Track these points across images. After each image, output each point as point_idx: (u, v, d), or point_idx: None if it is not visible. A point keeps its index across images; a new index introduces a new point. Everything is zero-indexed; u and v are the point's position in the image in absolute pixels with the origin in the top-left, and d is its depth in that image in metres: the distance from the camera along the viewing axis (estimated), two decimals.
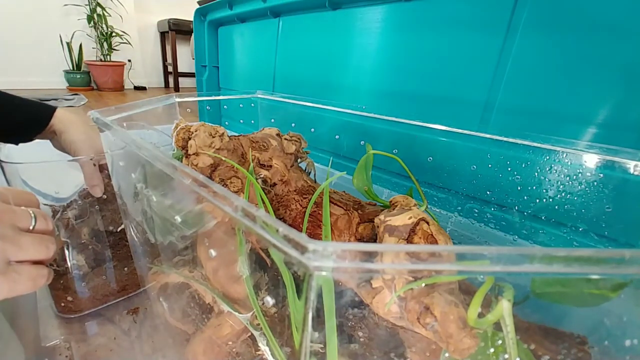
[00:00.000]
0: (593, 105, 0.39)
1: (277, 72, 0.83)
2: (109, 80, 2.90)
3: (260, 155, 0.35)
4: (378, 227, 0.26)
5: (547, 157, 0.37)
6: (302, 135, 0.40)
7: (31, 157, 0.42)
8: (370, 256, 0.13)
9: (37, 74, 2.77)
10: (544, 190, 0.38)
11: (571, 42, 0.40)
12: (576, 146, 0.35)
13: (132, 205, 0.37)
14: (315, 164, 0.41)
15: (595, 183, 0.34)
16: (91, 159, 0.43)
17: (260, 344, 0.26)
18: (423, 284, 0.20)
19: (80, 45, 2.82)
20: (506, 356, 0.19)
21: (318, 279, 0.14)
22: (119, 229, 0.52)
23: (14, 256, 0.24)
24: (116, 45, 2.99)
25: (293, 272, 0.21)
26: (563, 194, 0.36)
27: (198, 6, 1.01)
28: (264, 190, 0.32)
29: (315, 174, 0.41)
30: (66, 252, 0.47)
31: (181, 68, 3.18)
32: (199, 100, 0.73)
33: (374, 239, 0.29)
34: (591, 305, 0.19)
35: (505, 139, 0.39)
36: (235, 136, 0.36)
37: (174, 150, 0.35)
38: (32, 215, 0.27)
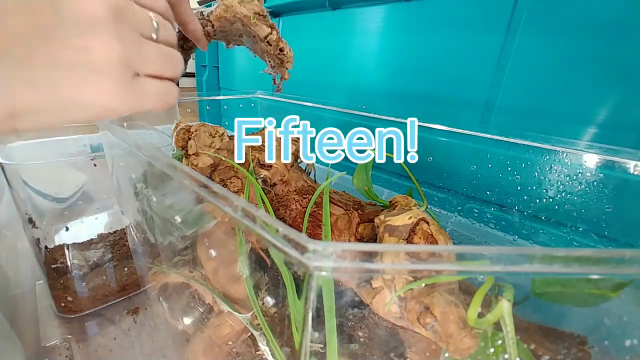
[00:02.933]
0: (593, 105, 0.39)
1: None
2: None
3: (260, 155, 0.35)
4: (378, 227, 0.26)
5: (547, 157, 0.37)
6: (302, 135, 0.40)
7: (31, 157, 0.42)
8: (370, 256, 0.14)
9: None
10: (544, 190, 0.38)
11: (571, 42, 0.40)
12: (576, 146, 0.35)
13: (132, 205, 0.37)
14: (315, 164, 0.41)
15: (595, 183, 0.34)
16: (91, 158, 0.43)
17: (260, 344, 0.26)
18: (423, 284, 0.20)
19: None
20: (506, 356, 0.19)
21: (318, 279, 0.14)
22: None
23: (138, 67, 0.20)
24: None
25: (293, 272, 0.21)
26: (563, 194, 0.36)
27: (198, 6, 1.01)
28: (264, 190, 0.32)
29: (315, 174, 0.41)
30: (66, 251, 0.47)
31: None
32: (199, 100, 0.72)
33: (374, 239, 0.29)
34: (591, 305, 0.19)
35: (505, 139, 0.39)
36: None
37: (174, 150, 0.35)
38: (155, 21, 0.21)
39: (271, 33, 0.32)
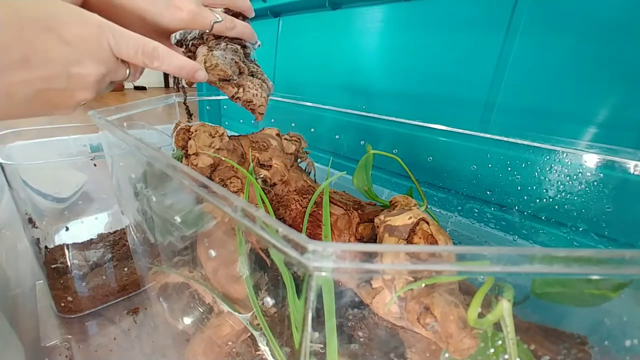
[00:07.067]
0: (593, 105, 0.39)
1: (277, 72, 0.83)
2: None
3: (260, 155, 0.35)
4: (378, 227, 0.26)
5: (547, 157, 0.37)
6: (302, 135, 0.40)
7: (31, 157, 0.42)
8: (370, 256, 0.13)
9: None
10: (544, 190, 0.38)
11: (571, 42, 0.40)
12: (576, 146, 0.35)
13: (132, 205, 0.37)
14: (315, 164, 0.41)
15: (595, 183, 0.34)
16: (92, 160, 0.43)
17: (260, 344, 0.26)
18: (423, 284, 0.20)
19: None
20: (506, 356, 0.19)
21: (318, 279, 0.14)
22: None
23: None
24: None
25: (293, 272, 0.21)
26: (563, 194, 0.36)
27: None
28: (264, 190, 0.32)
29: (315, 174, 0.41)
30: (66, 251, 0.47)
31: None
32: (199, 100, 0.72)
33: (374, 239, 0.29)
34: (591, 305, 0.19)
35: (505, 139, 0.39)
36: (235, 136, 0.36)
37: (174, 150, 0.35)
38: (129, 73, 0.28)
39: (237, 92, 0.34)
